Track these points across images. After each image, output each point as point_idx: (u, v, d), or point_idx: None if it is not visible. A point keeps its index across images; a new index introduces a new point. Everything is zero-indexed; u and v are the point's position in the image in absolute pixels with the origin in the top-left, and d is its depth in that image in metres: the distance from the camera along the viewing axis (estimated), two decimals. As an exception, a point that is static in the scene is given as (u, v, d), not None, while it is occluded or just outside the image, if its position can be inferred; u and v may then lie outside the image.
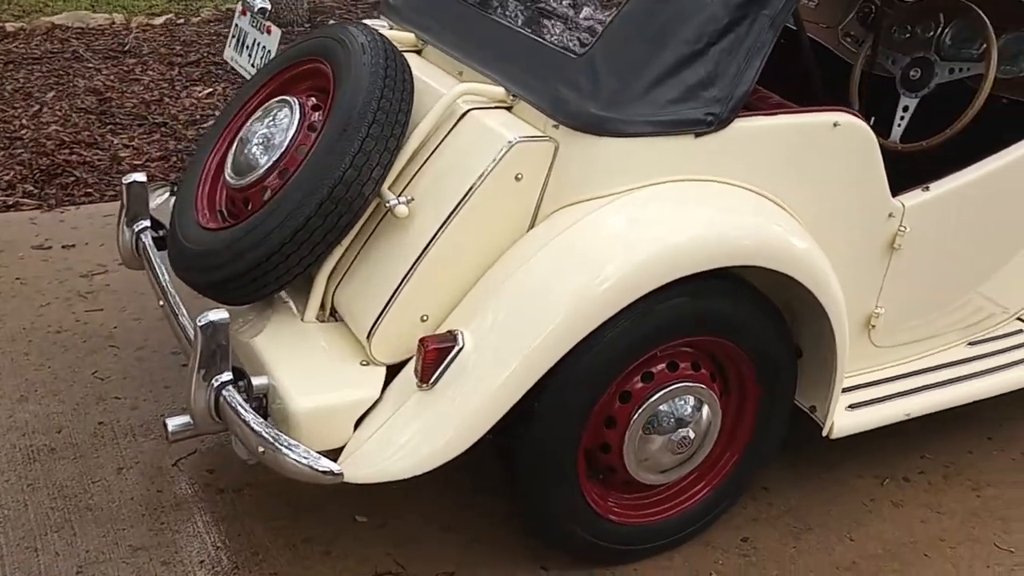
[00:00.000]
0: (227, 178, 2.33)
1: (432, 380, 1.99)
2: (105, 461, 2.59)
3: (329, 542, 2.37)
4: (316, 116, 2.28)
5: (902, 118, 2.92)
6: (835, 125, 2.23)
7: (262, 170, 2.24)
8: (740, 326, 2.20)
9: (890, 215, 2.40)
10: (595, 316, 1.98)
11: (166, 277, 2.44)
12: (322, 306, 2.27)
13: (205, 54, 5.99)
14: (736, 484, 2.40)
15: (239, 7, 2.93)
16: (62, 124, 4.81)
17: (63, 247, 3.68)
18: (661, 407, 2.18)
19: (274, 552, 2.33)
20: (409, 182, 2.23)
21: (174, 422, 2.15)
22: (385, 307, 2.10)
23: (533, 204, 2.14)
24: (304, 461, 1.90)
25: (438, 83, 2.36)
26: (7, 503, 2.41)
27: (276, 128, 2.31)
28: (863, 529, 2.55)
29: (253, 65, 2.82)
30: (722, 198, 2.14)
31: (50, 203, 4.05)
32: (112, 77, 5.52)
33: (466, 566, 2.32)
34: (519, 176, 2.10)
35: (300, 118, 2.26)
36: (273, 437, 1.92)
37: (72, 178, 4.28)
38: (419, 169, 2.23)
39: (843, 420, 2.42)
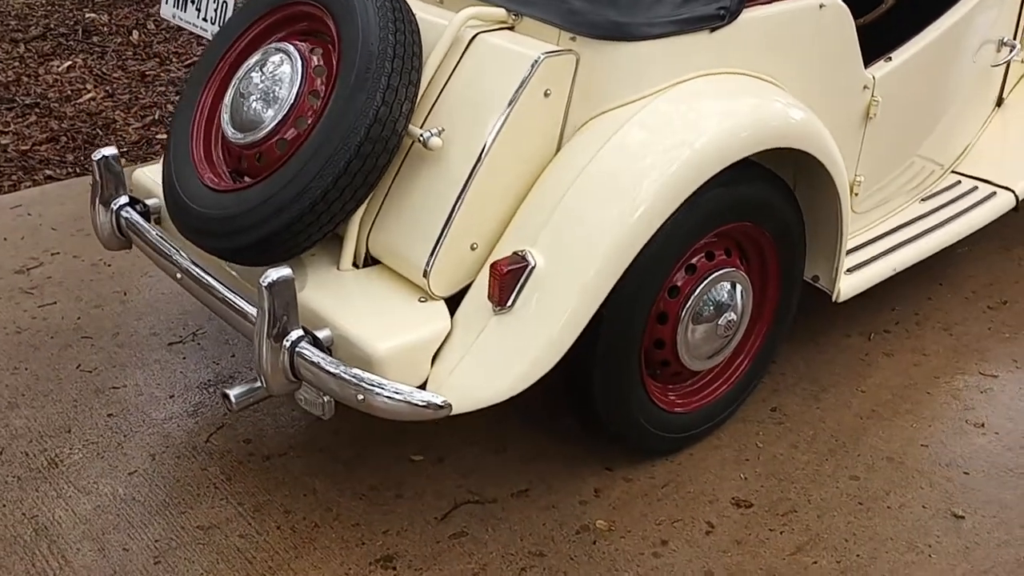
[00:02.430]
0: (228, 136, 2.23)
1: (510, 302, 2.02)
2: (132, 452, 2.48)
3: (398, 485, 2.38)
4: (316, 61, 2.21)
5: (835, -1, 3.09)
6: (821, 6, 2.36)
7: (273, 123, 2.15)
8: (764, 207, 2.33)
9: (865, 87, 2.58)
10: (645, 230, 2.05)
11: (174, 248, 2.34)
12: (355, 252, 2.25)
13: (48, 25, 5.56)
14: (767, 354, 2.56)
15: (171, -39, 2.76)
16: (-79, 119, 4.41)
17: (-18, 246, 3.42)
18: (705, 296, 2.29)
19: (347, 505, 2.32)
20: (428, 114, 2.21)
21: (236, 391, 2.09)
22: (437, 242, 2.10)
23: (560, 119, 2.18)
24: (407, 398, 1.91)
25: (425, 12, 2.33)
26: (46, 512, 2.29)
27: (275, 79, 2.22)
28: (869, 380, 2.77)
29: (206, 19, 2.67)
30: (741, 88, 2.24)
31: (-55, 203, 3.73)
32: (-46, 62, 5.07)
33: (537, 480, 2.39)
34: (548, 92, 2.12)
35: (303, 65, 2.19)
36: (371, 382, 1.91)
37: (-42, 174, 3.95)
38: (436, 100, 2.21)
39: (845, 284, 2.61)
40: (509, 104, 2.08)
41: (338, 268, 2.24)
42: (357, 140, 2.03)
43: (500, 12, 2.25)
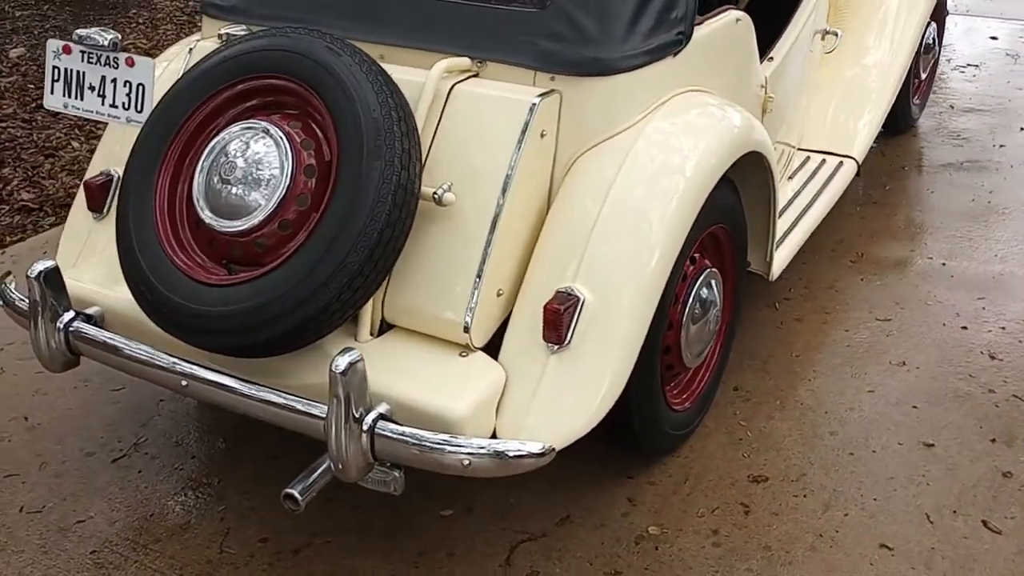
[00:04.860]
0: (215, 227, 2.09)
1: (568, 340, 2.07)
2: (144, 583, 2.26)
3: (444, 544, 2.34)
4: (299, 135, 2.13)
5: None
6: (737, 20, 2.60)
7: (271, 206, 2.05)
8: (729, 208, 2.54)
9: (761, 86, 2.86)
10: (669, 257, 2.18)
11: (161, 354, 2.18)
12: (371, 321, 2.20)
13: None
14: (731, 336, 2.79)
15: (55, 47, 2.46)
16: None
17: None
18: (697, 297, 2.46)
19: (407, 577, 2.26)
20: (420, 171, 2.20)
21: (298, 488, 2.00)
22: (472, 296, 2.11)
23: (552, 156, 2.25)
24: (520, 452, 1.92)
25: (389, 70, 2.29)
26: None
27: (254, 159, 2.11)
28: (796, 345, 3.08)
29: (115, 105, 2.42)
30: (704, 105, 2.42)
31: None
32: None
33: (572, 505, 2.44)
34: (544, 133, 2.19)
35: (288, 142, 2.10)
36: (477, 445, 1.91)
37: None
38: (427, 155, 2.21)
39: (775, 263, 2.89)
40: (516, 149, 2.13)
41: (356, 340, 2.19)
42: (386, 209, 2.00)
43: (465, 61, 2.28)
